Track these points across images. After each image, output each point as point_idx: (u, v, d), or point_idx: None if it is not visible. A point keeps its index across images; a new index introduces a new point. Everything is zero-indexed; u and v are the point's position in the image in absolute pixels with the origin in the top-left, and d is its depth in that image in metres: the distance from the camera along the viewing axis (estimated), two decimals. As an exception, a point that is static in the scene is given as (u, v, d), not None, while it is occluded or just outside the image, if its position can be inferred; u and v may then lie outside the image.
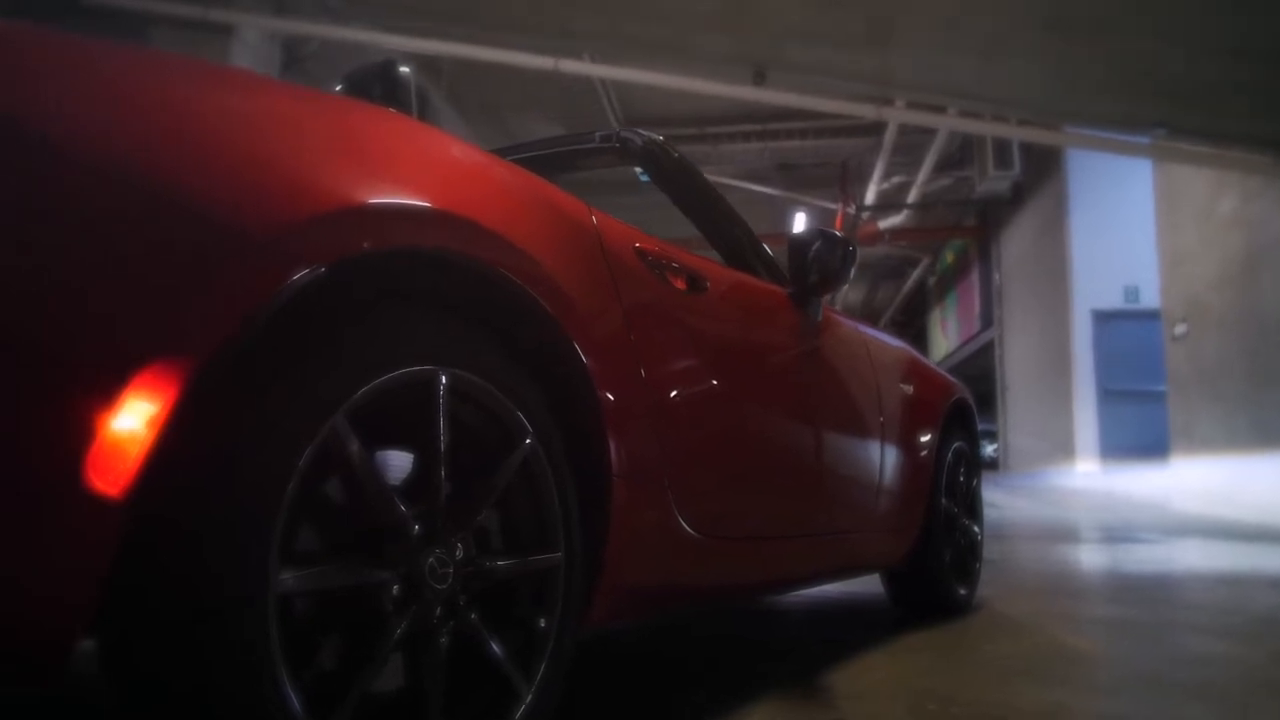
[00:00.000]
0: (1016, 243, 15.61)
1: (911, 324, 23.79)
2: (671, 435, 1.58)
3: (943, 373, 3.24)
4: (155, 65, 1.01)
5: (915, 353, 3.09)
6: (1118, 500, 10.35)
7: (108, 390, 0.79)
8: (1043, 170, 13.61)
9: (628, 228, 1.66)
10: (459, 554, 1.15)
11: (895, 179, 13.83)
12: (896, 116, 8.64)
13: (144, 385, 0.80)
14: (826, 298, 2.32)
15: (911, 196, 14.34)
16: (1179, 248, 9.70)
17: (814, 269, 2.20)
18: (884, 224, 15.00)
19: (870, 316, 21.02)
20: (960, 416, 3.09)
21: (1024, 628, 2.75)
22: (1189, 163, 8.46)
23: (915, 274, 21.22)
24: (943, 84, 7.20)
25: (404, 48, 7.11)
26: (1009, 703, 1.81)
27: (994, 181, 13.27)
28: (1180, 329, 9.55)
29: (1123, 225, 12.20)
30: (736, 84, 7.16)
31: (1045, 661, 2.22)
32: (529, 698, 1.22)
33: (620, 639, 2.54)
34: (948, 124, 9.33)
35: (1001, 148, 12.53)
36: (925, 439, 2.78)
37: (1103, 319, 12.67)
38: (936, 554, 2.78)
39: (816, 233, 2.23)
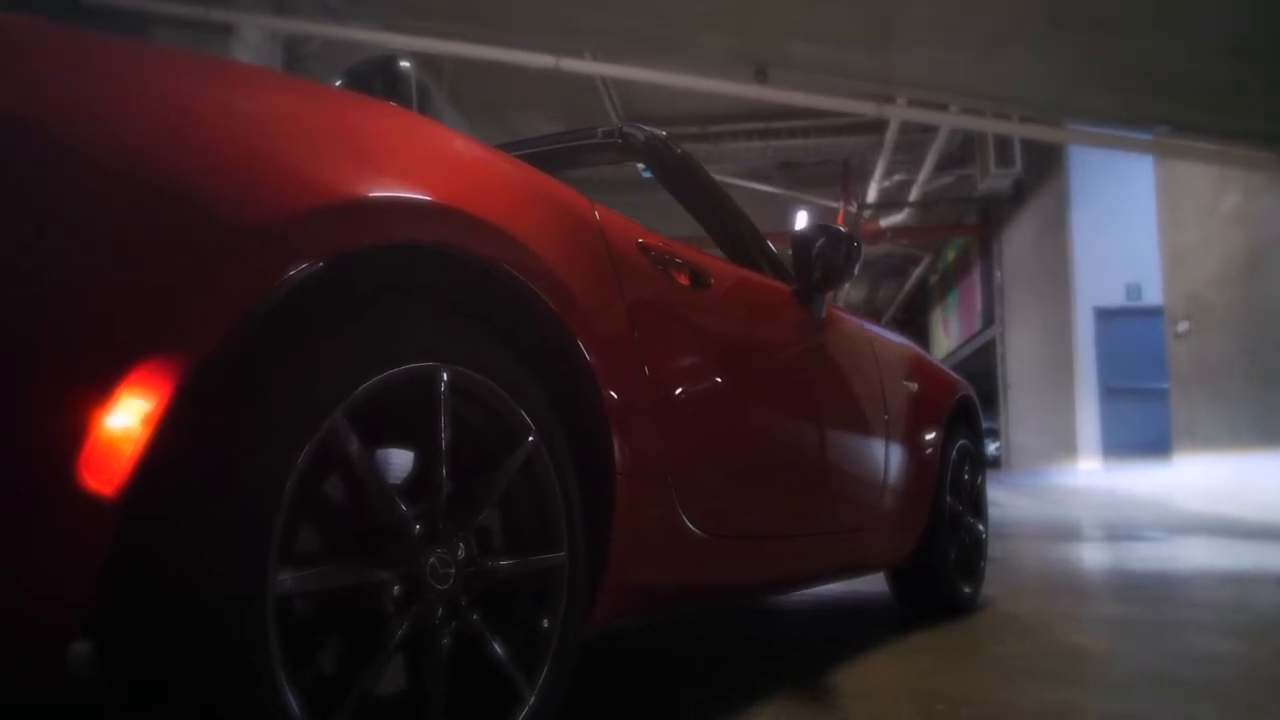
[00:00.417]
0: (1018, 241, 15.59)
1: (913, 322, 23.77)
2: (675, 432, 1.57)
3: (947, 370, 3.22)
4: (150, 59, 0.99)
5: (919, 350, 3.07)
6: (1120, 498, 10.33)
7: (102, 387, 0.77)
8: (1044, 168, 13.59)
9: (631, 223, 1.64)
10: (461, 554, 1.13)
11: (897, 177, 13.81)
12: (898, 114, 8.62)
13: (138, 382, 0.78)
14: (830, 294, 2.31)
15: (913, 195, 14.33)
16: (1181, 245, 9.67)
17: (818, 265, 2.19)
18: (885, 222, 14.99)
19: (872, 315, 20.96)
20: (965, 414, 3.07)
21: (1029, 627, 2.73)
22: (1192, 159, 8.44)
23: (917, 272, 21.21)
24: (944, 81, 7.18)
25: (405, 46, 7.09)
26: (1018, 703, 1.80)
27: (995, 179, 13.25)
28: (1183, 326, 9.53)
29: (1125, 223, 12.17)
30: (738, 82, 7.14)
31: (1052, 661, 2.21)
32: (532, 700, 1.20)
33: (623, 637, 2.53)
34: (949, 121, 9.31)
35: (1003, 145, 12.52)
36: (930, 436, 2.76)
37: (1105, 317, 12.64)
38: (941, 552, 2.76)
39: (820, 229, 2.21)
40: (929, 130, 11.58)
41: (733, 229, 2.34)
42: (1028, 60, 6.69)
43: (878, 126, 11.77)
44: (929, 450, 2.74)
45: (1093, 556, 5.30)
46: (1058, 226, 13.30)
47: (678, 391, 1.61)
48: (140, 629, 0.85)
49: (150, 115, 0.90)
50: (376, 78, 1.66)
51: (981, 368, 17.33)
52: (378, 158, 1.11)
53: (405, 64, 1.66)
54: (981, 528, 3.11)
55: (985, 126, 9.56)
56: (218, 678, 0.86)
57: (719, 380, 1.76)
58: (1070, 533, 7.01)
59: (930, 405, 2.83)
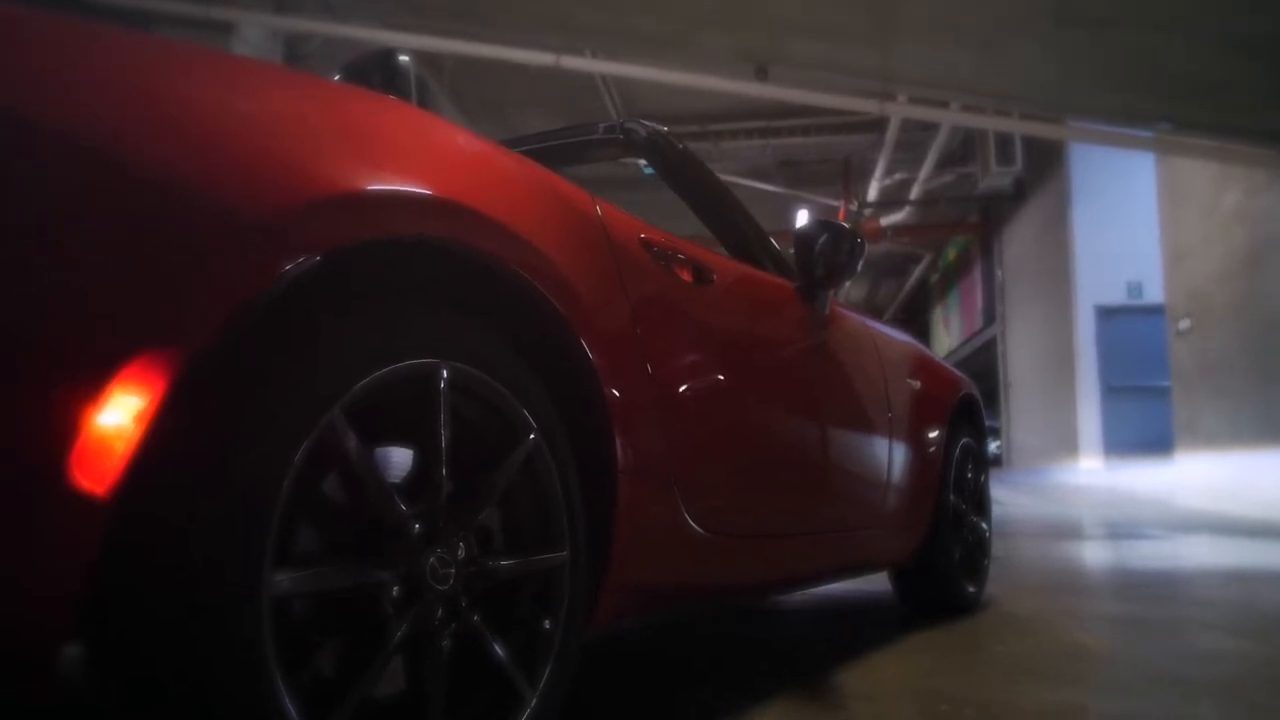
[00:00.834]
0: (1019, 239, 15.58)
1: (914, 321, 23.76)
2: (678, 430, 1.55)
3: (950, 368, 3.21)
4: (145, 50, 0.97)
5: (922, 347, 3.06)
6: (1122, 496, 10.32)
7: (93, 384, 0.75)
8: (1045, 166, 13.58)
9: (633, 218, 1.63)
10: (461, 553, 1.12)
11: (897, 175, 13.79)
12: (899, 111, 8.59)
13: (131, 379, 0.77)
14: (833, 291, 2.29)
15: (914, 193, 14.31)
16: (1182, 243, 9.66)
17: (821, 262, 2.17)
18: (886, 221, 14.97)
19: (872, 314, 20.99)
20: (968, 412, 3.06)
21: (1033, 626, 2.72)
22: (1193, 156, 8.42)
23: (917, 271, 21.19)
24: (945, 78, 7.17)
25: (405, 44, 7.08)
26: (1022, 703, 1.78)
27: (996, 177, 13.23)
28: (1184, 324, 9.51)
29: (1125, 220, 12.16)
30: (739, 80, 7.13)
31: (1056, 660, 2.19)
32: (533, 701, 1.19)
33: (624, 637, 2.51)
34: (950, 118, 9.29)
35: (1004, 143, 12.50)
36: (933, 435, 2.75)
37: (1106, 315, 12.63)
38: (945, 551, 2.75)
39: (823, 225, 2.19)
40: (930, 128, 11.56)
41: (735, 225, 2.33)
42: (1029, 57, 6.68)
43: (878, 125, 11.75)
44: (932, 448, 2.73)
45: (1095, 555, 5.29)
46: (1059, 224, 13.29)
47: (680, 389, 1.60)
48: (136, 629, 0.83)
49: (142, 105, 0.88)
50: (375, 72, 1.65)
51: (982, 366, 17.33)
52: (376, 151, 1.09)
53: (404, 58, 1.65)
54: (985, 526, 3.09)
55: (986, 124, 9.54)
56: (213, 681, 0.84)
57: (722, 378, 1.75)
58: (1072, 531, 7.00)
59: (933, 403, 2.81)
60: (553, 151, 2.51)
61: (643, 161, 2.48)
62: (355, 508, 1.02)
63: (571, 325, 1.30)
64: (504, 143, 2.32)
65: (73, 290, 0.77)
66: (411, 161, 1.14)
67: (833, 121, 12.19)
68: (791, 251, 2.26)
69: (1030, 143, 12.42)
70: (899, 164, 13.36)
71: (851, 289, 21.24)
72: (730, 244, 2.33)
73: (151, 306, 0.80)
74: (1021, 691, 1.88)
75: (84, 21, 0.90)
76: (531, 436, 1.23)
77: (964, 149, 13.57)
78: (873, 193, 14.08)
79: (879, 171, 13.38)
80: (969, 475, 3.00)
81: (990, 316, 17.16)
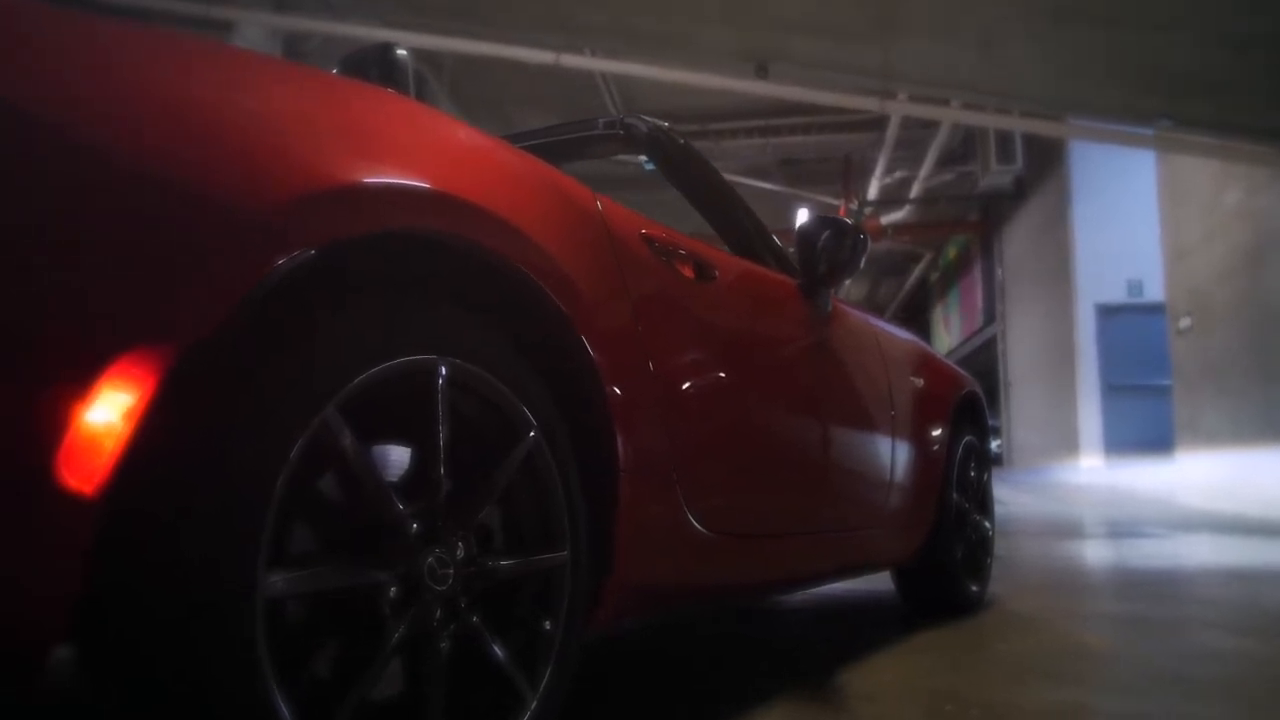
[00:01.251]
0: (1019, 238, 15.57)
1: (914, 320, 23.74)
2: (679, 428, 1.53)
3: (953, 366, 3.19)
4: (138, 40, 0.96)
5: (925, 345, 3.05)
6: (1122, 495, 10.31)
7: (81, 381, 0.74)
8: (1045, 164, 13.56)
9: (634, 214, 1.61)
10: (460, 553, 1.10)
11: (898, 174, 13.78)
12: (899, 109, 8.58)
13: (120, 376, 0.75)
14: (835, 289, 2.28)
15: (914, 192, 14.30)
16: (1183, 241, 9.64)
17: (823, 259, 2.15)
18: (886, 219, 14.97)
19: (873, 312, 20.99)
20: (970, 410, 3.04)
21: (1035, 625, 2.71)
22: (1193, 154, 8.39)
23: (918, 270, 21.18)
24: (946, 76, 7.15)
25: (405, 43, 7.04)
26: (1026, 703, 1.77)
27: (997, 176, 13.22)
28: (1185, 322, 9.49)
29: (1126, 219, 12.13)
30: (739, 78, 7.11)
31: (1059, 660, 2.18)
32: (534, 703, 1.17)
33: (624, 637, 2.50)
34: (951, 116, 9.28)
35: (1004, 142, 12.48)
36: (936, 433, 2.73)
37: (1106, 313, 12.61)
38: (948, 550, 2.73)
39: (826, 222, 2.18)
40: (930, 126, 11.54)
41: (737, 221, 2.31)
42: (1029, 55, 6.66)
43: (878, 123, 11.75)
44: (935, 447, 2.71)
45: (1096, 553, 5.28)
46: (1059, 223, 13.27)
47: (682, 386, 1.58)
48: (132, 628, 0.82)
49: (135, 96, 0.87)
50: (373, 66, 1.63)
51: (983, 365, 17.31)
52: (373, 144, 1.07)
53: (402, 52, 1.63)
54: (988, 525, 3.08)
55: (986, 121, 9.53)
56: (208, 681, 0.83)
57: (723, 375, 1.73)
58: (1073, 530, 6.99)
59: (936, 401, 2.80)
60: (553, 147, 2.49)
61: (643, 157, 2.46)
62: (352, 506, 1.01)
63: (572, 322, 1.28)
64: (504, 138, 2.31)
65: (60, 284, 0.75)
66: (409, 155, 1.12)
67: (833, 120, 12.18)
68: (793, 249, 2.25)
69: (1030, 141, 12.40)
70: (899, 162, 13.35)
71: (852, 288, 21.23)
72: (732, 240, 2.31)
73: (141, 301, 0.79)
74: (1029, 691, 1.87)
75: (78, 13, 0.89)
76: (531, 435, 1.21)
77: (964, 147, 13.56)
78: (873, 191, 14.07)
79: (879, 170, 13.37)
80: (972, 473, 2.98)
81: (990, 315, 17.14)
